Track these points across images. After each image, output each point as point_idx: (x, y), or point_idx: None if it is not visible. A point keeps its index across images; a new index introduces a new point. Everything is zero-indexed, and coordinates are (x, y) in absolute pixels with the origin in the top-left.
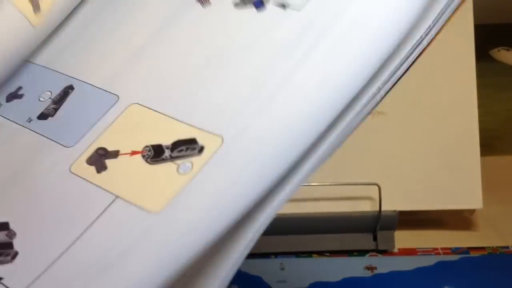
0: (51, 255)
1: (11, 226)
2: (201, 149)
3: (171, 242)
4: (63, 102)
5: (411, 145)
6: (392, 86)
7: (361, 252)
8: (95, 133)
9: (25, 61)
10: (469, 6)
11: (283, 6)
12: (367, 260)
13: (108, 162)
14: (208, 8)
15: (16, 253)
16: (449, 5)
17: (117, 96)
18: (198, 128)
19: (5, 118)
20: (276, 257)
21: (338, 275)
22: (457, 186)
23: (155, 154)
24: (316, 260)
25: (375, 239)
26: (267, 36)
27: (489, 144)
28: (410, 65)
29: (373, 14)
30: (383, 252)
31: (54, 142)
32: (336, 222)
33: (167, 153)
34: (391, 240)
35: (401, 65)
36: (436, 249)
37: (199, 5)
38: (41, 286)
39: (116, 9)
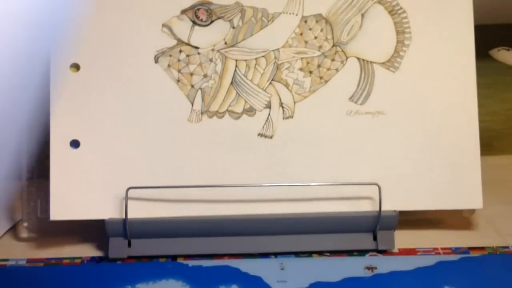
0: None
1: None
2: None
3: None
4: None
5: (411, 145)
6: None
7: (361, 252)
8: None
9: None
10: (469, 6)
11: None
12: (367, 260)
13: None
14: None
15: None
16: None
17: None
18: None
19: None
20: (276, 257)
21: (338, 275)
22: (457, 186)
23: None
24: (316, 260)
25: (375, 239)
26: None
27: (489, 144)
28: None
29: None
30: (383, 252)
31: None
32: (336, 222)
33: None
34: (391, 240)
35: None
36: (436, 249)
37: None
38: None
39: None
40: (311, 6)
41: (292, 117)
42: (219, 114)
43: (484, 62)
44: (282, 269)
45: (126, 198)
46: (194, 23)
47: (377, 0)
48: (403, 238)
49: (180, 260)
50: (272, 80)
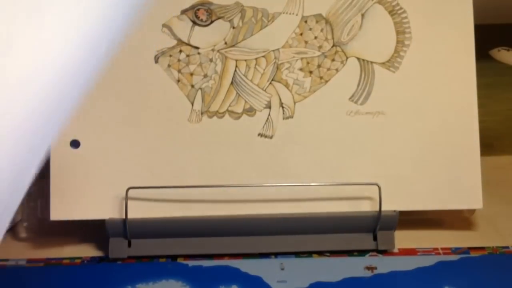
0: None
1: None
2: None
3: None
4: None
5: (411, 145)
6: None
7: (361, 252)
8: None
9: None
10: (469, 6)
11: None
12: (367, 260)
13: None
14: None
15: None
16: None
17: None
18: None
19: None
20: (276, 257)
21: (338, 275)
22: (457, 186)
23: None
24: (316, 260)
25: (375, 239)
26: None
27: (489, 144)
28: None
29: None
30: (383, 252)
31: None
32: (336, 222)
33: None
34: (391, 240)
35: None
36: (436, 249)
37: None
38: None
39: None
40: (311, 6)
41: (292, 117)
42: (219, 114)
43: (484, 62)
44: (282, 269)
45: (126, 198)
46: (194, 23)
47: (377, 0)
48: (403, 238)
49: (180, 260)
50: (272, 80)
